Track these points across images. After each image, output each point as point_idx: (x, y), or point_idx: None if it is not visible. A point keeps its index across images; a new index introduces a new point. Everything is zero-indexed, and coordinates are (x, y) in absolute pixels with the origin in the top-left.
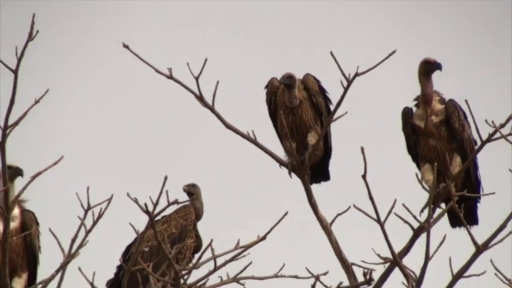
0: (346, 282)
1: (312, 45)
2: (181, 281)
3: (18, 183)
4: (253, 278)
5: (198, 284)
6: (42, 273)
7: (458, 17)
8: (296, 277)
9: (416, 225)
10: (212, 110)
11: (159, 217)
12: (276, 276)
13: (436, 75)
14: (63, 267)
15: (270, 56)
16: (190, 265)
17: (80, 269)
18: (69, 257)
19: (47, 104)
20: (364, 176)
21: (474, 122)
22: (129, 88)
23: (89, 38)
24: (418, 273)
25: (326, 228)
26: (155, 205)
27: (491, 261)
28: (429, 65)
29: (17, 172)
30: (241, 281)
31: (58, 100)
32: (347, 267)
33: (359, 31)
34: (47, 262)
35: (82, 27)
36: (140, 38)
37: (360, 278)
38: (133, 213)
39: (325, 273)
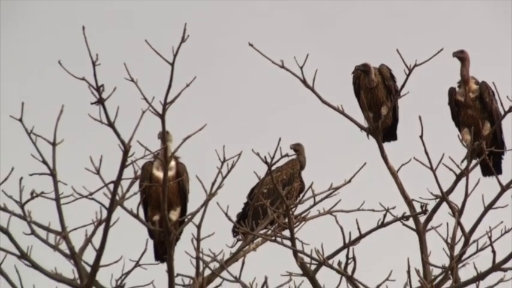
0: (408, 213)
1: (378, 41)
2: (290, 212)
3: (174, 143)
4: (342, 211)
5: (302, 215)
6: (190, 208)
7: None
8: (373, 210)
9: (458, 171)
10: (312, 90)
11: (274, 167)
12: (358, 210)
13: (474, 64)
14: (205, 203)
15: (352, 48)
16: (297, 201)
17: (218, 203)
18: (210, 196)
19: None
20: (421, 137)
21: (499, 97)
22: (249, 75)
23: (221, 41)
24: (460, 206)
25: (394, 174)
26: (272, 158)
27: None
28: (457, 54)
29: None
30: (334, 213)
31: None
32: (409, 202)
33: (413, 30)
34: (194, 200)
35: (215, 31)
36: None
37: (418, 210)
38: (256, 164)
39: (393, 207)
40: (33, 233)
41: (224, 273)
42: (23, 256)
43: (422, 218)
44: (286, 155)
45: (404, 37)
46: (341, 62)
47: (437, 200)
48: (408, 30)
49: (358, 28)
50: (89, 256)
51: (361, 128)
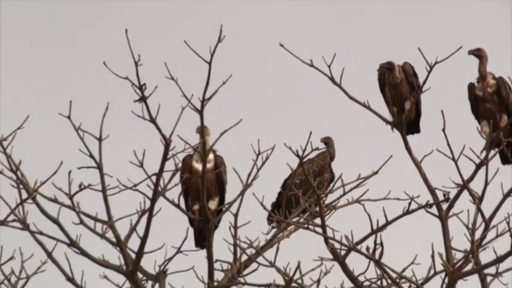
0: (432, 201)
1: (400, 39)
2: (321, 201)
3: (211, 137)
4: (369, 200)
5: (332, 204)
6: (228, 198)
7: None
8: (398, 199)
9: (478, 161)
10: (340, 86)
11: (305, 159)
12: (384, 198)
13: (491, 60)
14: (242, 193)
15: (376, 46)
16: (327, 191)
17: (253, 194)
18: (246, 186)
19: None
20: (443, 129)
21: None
22: (280, 73)
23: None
24: (480, 193)
25: (417, 165)
26: (303, 151)
27: None
28: (473, 52)
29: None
30: (362, 202)
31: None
32: (432, 191)
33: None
34: (231, 190)
35: (246, 31)
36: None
37: (441, 198)
38: (288, 156)
39: (417, 196)
40: (81, 222)
41: (260, 259)
42: (73, 244)
43: (444, 206)
44: (317, 148)
45: (426, 34)
46: (366, 59)
47: (459, 189)
48: (429, 28)
49: (381, 27)
50: (134, 243)
51: (386, 121)
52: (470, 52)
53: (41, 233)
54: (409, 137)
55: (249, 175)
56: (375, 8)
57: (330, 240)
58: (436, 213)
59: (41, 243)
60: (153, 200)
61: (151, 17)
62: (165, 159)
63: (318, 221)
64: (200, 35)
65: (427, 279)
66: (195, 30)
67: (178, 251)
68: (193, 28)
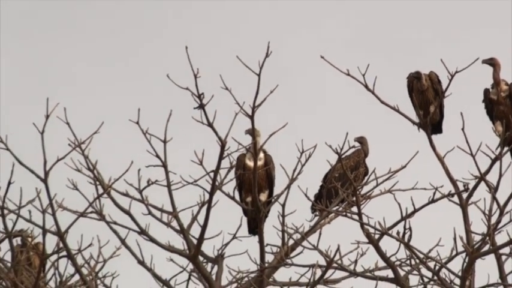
0: (453, 191)
1: (427, 48)
2: (357, 192)
3: (261, 138)
4: (399, 190)
5: (367, 194)
6: (276, 190)
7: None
8: (424, 189)
9: (493, 156)
10: (373, 92)
11: (343, 156)
12: (412, 189)
13: (504, 67)
14: (288, 186)
15: (404, 56)
16: (362, 183)
17: (298, 186)
18: (292, 180)
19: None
20: (463, 129)
21: None
22: (320, 81)
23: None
24: (495, 184)
25: (440, 160)
26: (341, 149)
27: None
28: (486, 61)
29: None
30: (392, 192)
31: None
32: (453, 182)
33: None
34: (279, 184)
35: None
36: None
37: (461, 188)
38: (328, 154)
39: (441, 186)
40: (150, 213)
41: (304, 243)
42: (142, 232)
43: (464, 195)
44: (353, 147)
45: (453, 43)
46: (395, 68)
47: (477, 180)
48: (454, 37)
49: (410, 38)
50: (195, 231)
51: (414, 123)
52: (484, 61)
53: (115, 223)
54: (433, 136)
55: (294, 170)
56: (403, 22)
57: (365, 226)
58: (457, 201)
59: (115, 232)
60: (211, 193)
61: (206, 33)
62: (221, 158)
63: (354, 209)
64: (248, 48)
65: (450, 259)
66: (244, 44)
67: (234, 237)
68: (242, 42)
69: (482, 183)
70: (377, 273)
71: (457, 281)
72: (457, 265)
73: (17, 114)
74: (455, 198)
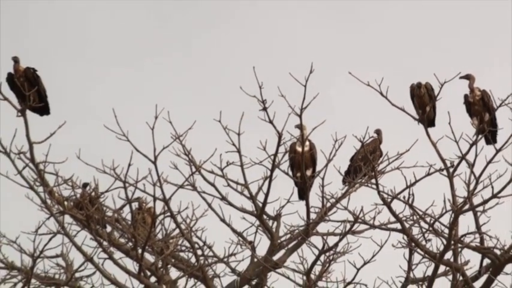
0: (443, 167)
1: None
2: (375, 169)
3: (307, 131)
4: (404, 167)
5: (381, 170)
6: (318, 168)
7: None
8: (422, 166)
9: (471, 142)
10: (386, 97)
11: (365, 143)
12: (414, 166)
13: (479, 77)
14: (326, 165)
15: (406, 69)
16: (378, 162)
17: (334, 165)
18: (328, 161)
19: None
20: (449, 123)
21: (493, 99)
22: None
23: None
24: (472, 161)
25: (434, 145)
26: (363, 138)
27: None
28: (463, 77)
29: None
30: (400, 169)
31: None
32: (443, 161)
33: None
34: (320, 163)
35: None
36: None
37: (448, 164)
38: (354, 142)
39: (434, 164)
40: (228, 185)
41: (338, 205)
42: (223, 198)
43: (451, 170)
44: (372, 137)
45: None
46: (400, 78)
47: (459, 159)
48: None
49: (412, 53)
50: (261, 197)
51: (414, 118)
52: (461, 77)
53: (204, 192)
54: (429, 129)
55: (330, 153)
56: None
57: (380, 193)
58: (446, 174)
59: (204, 198)
60: (272, 170)
61: (267, 54)
62: (278, 145)
63: (373, 181)
64: (297, 66)
65: (441, 215)
66: (294, 63)
67: (288, 201)
68: (292, 62)
69: (464, 161)
70: (389, 226)
71: (446, 231)
72: (446, 219)
73: (134, 115)
74: (445, 172)
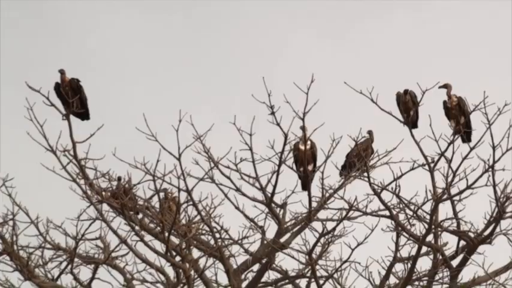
0: (425, 162)
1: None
2: (367, 164)
3: (309, 131)
4: (392, 162)
5: (372, 165)
6: (318, 163)
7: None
8: (407, 161)
9: (449, 141)
10: (376, 103)
11: (358, 142)
12: (400, 161)
13: (457, 85)
14: (325, 161)
15: (394, 77)
16: (370, 158)
17: (331, 161)
18: (327, 157)
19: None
20: (430, 125)
21: (468, 104)
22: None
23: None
24: (450, 157)
25: (417, 143)
26: (357, 138)
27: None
28: (442, 86)
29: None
30: (388, 164)
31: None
32: (425, 157)
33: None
34: (319, 159)
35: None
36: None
37: (430, 160)
38: (349, 141)
39: (417, 160)
40: (242, 178)
41: (335, 195)
42: (238, 189)
43: (432, 165)
44: (364, 137)
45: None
46: (387, 87)
47: (439, 156)
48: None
49: (398, 63)
50: (270, 188)
51: (400, 121)
52: (440, 87)
53: (221, 184)
54: (413, 130)
55: (328, 151)
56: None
57: (372, 184)
58: (428, 169)
59: (221, 190)
60: (279, 166)
61: (274, 66)
62: (284, 144)
63: (365, 174)
64: (299, 76)
65: (423, 203)
66: (296, 74)
67: (293, 192)
68: (295, 72)
69: (443, 158)
70: (379, 213)
71: (428, 217)
72: (427, 207)
73: (161, 119)
74: (426, 167)
